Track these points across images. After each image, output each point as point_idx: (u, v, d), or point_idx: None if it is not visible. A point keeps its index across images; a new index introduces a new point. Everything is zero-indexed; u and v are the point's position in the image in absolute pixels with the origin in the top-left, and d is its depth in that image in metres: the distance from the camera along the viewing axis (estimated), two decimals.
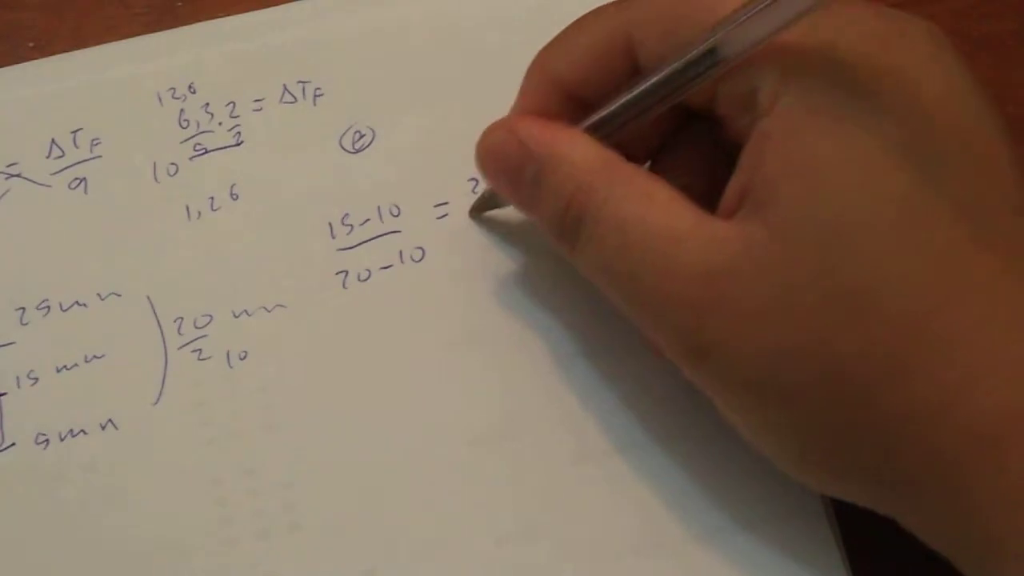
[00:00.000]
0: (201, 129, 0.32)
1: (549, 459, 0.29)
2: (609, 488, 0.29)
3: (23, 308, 0.31)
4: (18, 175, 0.32)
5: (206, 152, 0.32)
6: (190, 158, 0.32)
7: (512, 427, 0.29)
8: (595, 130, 0.26)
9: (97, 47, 0.33)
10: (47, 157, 0.32)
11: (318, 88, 0.33)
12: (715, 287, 0.23)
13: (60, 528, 0.29)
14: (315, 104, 0.33)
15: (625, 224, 0.24)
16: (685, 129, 0.28)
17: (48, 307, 0.31)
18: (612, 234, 0.24)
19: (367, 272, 0.31)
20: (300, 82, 0.33)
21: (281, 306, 0.31)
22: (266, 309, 0.31)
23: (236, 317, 0.30)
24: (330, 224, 0.31)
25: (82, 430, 0.30)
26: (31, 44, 0.34)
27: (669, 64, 0.24)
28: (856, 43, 0.23)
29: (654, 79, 0.25)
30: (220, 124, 0.32)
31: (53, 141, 0.32)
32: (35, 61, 0.33)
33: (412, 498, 0.29)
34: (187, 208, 0.32)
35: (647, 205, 0.24)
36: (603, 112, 0.26)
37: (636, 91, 0.25)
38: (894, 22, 0.23)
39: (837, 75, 0.22)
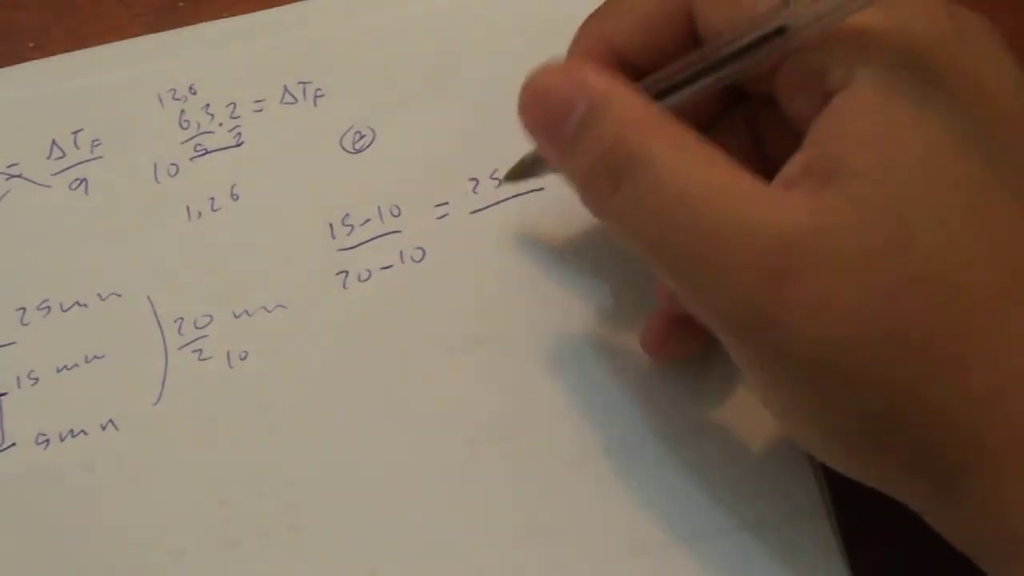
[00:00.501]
0: (202, 130, 0.32)
1: (549, 460, 0.29)
2: (608, 489, 0.29)
3: (23, 308, 0.31)
4: (19, 175, 0.32)
5: (207, 153, 0.32)
6: (191, 159, 0.32)
7: (512, 428, 0.29)
8: (655, 94, 0.25)
9: (98, 48, 0.33)
10: (48, 158, 0.32)
11: (318, 89, 0.33)
12: (789, 258, 0.21)
13: (60, 528, 0.29)
14: (315, 105, 0.33)
15: (678, 176, 0.22)
16: (727, 115, 0.27)
17: (48, 307, 0.31)
18: (662, 184, 0.22)
19: (367, 272, 0.31)
20: (301, 83, 0.33)
21: (281, 306, 0.31)
22: (266, 309, 0.31)
23: (236, 317, 0.30)
24: (330, 224, 0.31)
25: (82, 430, 0.30)
26: (31, 44, 0.34)
27: (736, 38, 0.23)
28: (924, 33, 0.22)
29: (721, 52, 0.24)
30: (220, 125, 0.32)
31: (54, 142, 0.32)
32: (35, 61, 0.33)
33: (412, 498, 0.29)
34: (187, 208, 0.32)
35: (709, 163, 0.23)
36: (661, 79, 0.25)
37: (700, 63, 0.24)
38: (956, 17, 0.23)
39: (909, 61, 0.22)
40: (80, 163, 0.32)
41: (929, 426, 0.22)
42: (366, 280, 0.31)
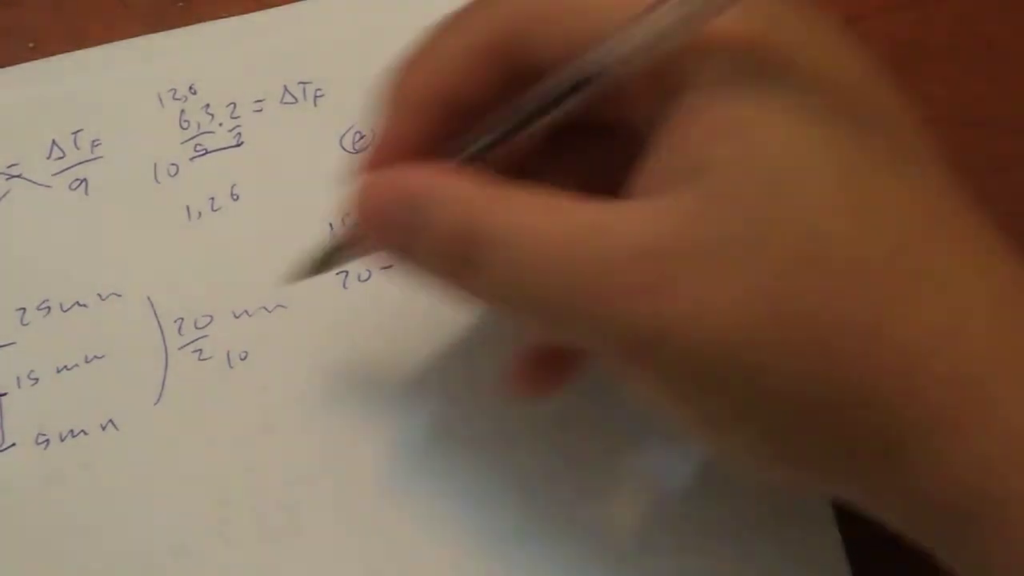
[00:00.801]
0: (202, 130, 0.32)
1: (551, 459, 0.29)
2: (613, 490, 0.29)
3: (23, 308, 0.31)
4: (19, 176, 0.32)
5: (207, 153, 0.32)
6: (191, 159, 0.32)
7: (517, 428, 0.29)
8: (472, 155, 0.24)
9: (98, 47, 0.33)
10: (48, 158, 0.32)
11: (319, 89, 0.33)
12: (654, 268, 0.21)
13: (60, 528, 0.29)
14: (316, 105, 0.33)
15: (537, 231, 0.22)
16: (561, 136, 0.25)
17: (49, 307, 0.31)
18: (524, 245, 0.22)
19: (367, 272, 0.31)
20: (301, 83, 0.33)
21: (281, 306, 0.31)
22: (266, 309, 0.31)
23: (236, 317, 0.31)
24: (331, 225, 0.31)
25: (82, 430, 0.30)
26: (31, 44, 0.34)
27: (551, 84, 0.22)
28: (759, 26, 0.22)
29: (536, 102, 0.23)
30: (221, 125, 0.32)
31: (54, 142, 0.32)
32: (35, 61, 0.33)
33: (413, 499, 0.29)
34: (188, 209, 0.32)
35: (555, 208, 0.22)
36: (481, 141, 0.24)
37: (519, 114, 0.23)
38: (791, 7, 0.23)
39: (749, 53, 0.21)
40: (80, 163, 0.32)
41: (847, 406, 0.21)
42: (366, 280, 0.31)
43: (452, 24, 0.24)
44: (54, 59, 0.33)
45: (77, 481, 0.29)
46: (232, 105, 0.33)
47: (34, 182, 0.32)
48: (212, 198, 0.32)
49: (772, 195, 0.21)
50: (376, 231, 0.25)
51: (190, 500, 0.29)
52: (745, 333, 0.21)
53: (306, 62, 0.33)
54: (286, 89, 0.33)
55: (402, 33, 0.33)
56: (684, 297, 0.21)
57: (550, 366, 0.27)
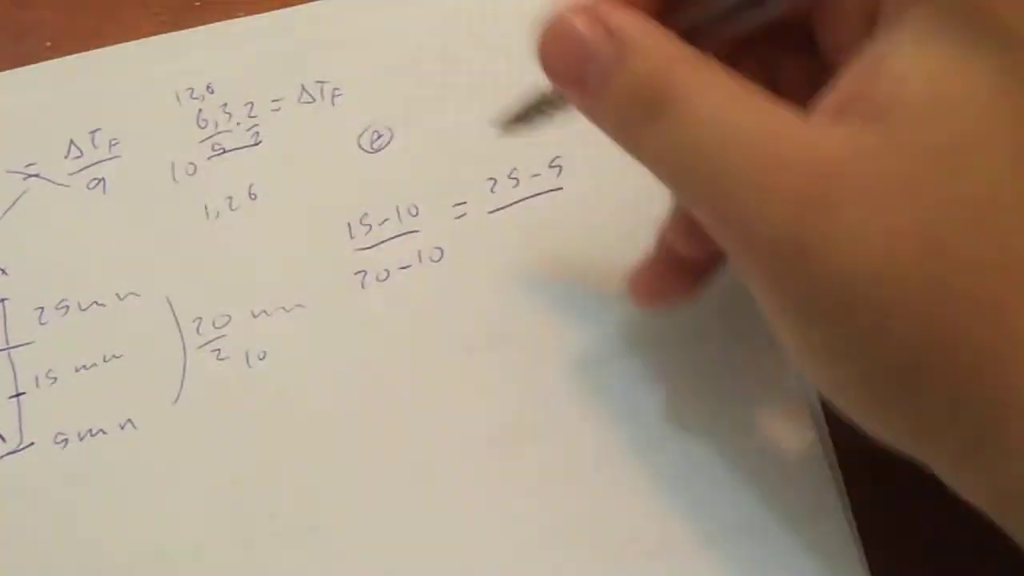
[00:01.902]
0: (219, 129, 0.32)
1: (567, 461, 0.29)
2: (628, 489, 0.29)
3: (42, 308, 0.31)
4: (36, 175, 0.32)
5: (224, 152, 0.32)
6: (208, 158, 0.32)
7: (531, 428, 0.29)
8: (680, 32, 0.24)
9: (115, 47, 0.33)
10: (66, 157, 0.32)
11: (336, 88, 0.33)
12: (825, 185, 0.21)
13: (78, 528, 0.29)
14: (333, 104, 0.33)
15: (719, 105, 0.22)
16: (758, 46, 0.26)
17: (67, 307, 0.31)
18: (703, 112, 0.22)
19: (386, 272, 0.31)
20: (318, 82, 0.33)
21: (300, 306, 0.31)
22: (285, 309, 0.31)
23: (255, 317, 0.30)
24: (348, 224, 0.31)
25: (101, 430, 0.30)
26: (48, 44, 0.34)
27: None
28: None
29: None
30: (238, 124, 0.32)
31: (71, 141, 0.32)
32: (53, 61, 0.33)
33: (431, 499, 0.29)
34: (205, 208, 0.32)
35: (743, 94, 0.22)
36: (688, 18, 0.24)
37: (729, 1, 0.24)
38: None
39: (962, 2, 0.21)
40: (98, 162, 0.32)
41: (963, 370, 0.21)
42: (384, 280, 0.31)
43: None
44: (71, 59, 0.33)
45: (95, 481, 0.29)
46: (250, 104, 0.33)
47: (52, 181, 0.32)
48: (230, 197, 0.32)
49: (956, 148, 0.21)
50: (568, 64, 0.25)
51: (208, 500, 0.29)
52: (890, 267, 0.21)
53: (323, 61, 0.33)
54: (303, 88, 0.33)
55: (419, 32, 0.33)
56: (847, 219, 0.21)
57: (674, 276, 0.28)
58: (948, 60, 0.21)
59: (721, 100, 0.22)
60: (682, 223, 0.27)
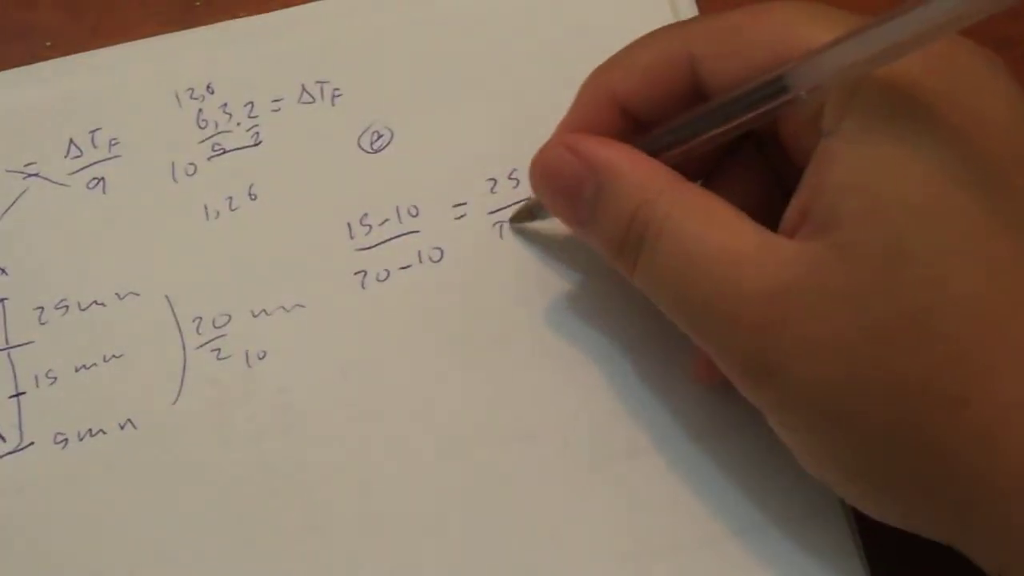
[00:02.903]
0: (219, 129, 0.32)
1: (569, 460, 0.29)
2: (628, 490, 0.29)
3: (41, 307, 0.31)
4: (36, 175, 0.32)
5: (224, 152, 0.32)
6: (208, 158, 0.32)
7: (532, 428, 0.29)
8: (652, 151, 0.26)
9: (115, 46, 0.33)
10: (65, 157, 0.32)
11: (336, 88, 0.33)
12: (779, 308, 0.23)
13: (78, 528, 0.29)
14: (333, 104, 0.33)
15: (687, 242, 0.24)
16: (738, 149, 0.28)
17: (67, 306, 0.31)
18: (674, 252, 0.24)
19: (386, 272, 0.31)
20: (318, 82, 0.33)
21: (300, 306, 0.31)
22: (285, 309, 0.31)
23: (255, 317, 0.30)
24: (348, 224, 0.31)
25: (101, 430, 0.30)
26: (48, 43, 0.34)
27: (735, 91, 0.24)
28: (915, 67, 0.22)
29: (719, 103, 0.25)
30: (238, 124, 0.32)
31: (71, 141, 0.32)
32: (53, 60, 0.33)
33: (431, 499, 0.29)
34: (205, 208, 0.32)
35: (709, 223, 0.24)
36: (663, 133, 0.26)
37: (700, 115, 0.25)
38: (951, 47, 0.23)
39: (897, 98, 0.22)
40: (98, 162, 0.32)
41: (932, 464, 0.22)
42: (384, 280, 0.31)
43: (646, 39, 0.27)
44: (71, 58, 0.33)
45: (95, 481, 0.29)
46: (250, 104, 0.33)
47: (52, 181, 0.32)
48: (230, 197, 0.32)
49: (893, 264, 0.22)
50: (553, 195, 0.27)
51: (208, 499, 0.29)
52: (846, 376, 0.22)
53: (324, 61, 0.33)
54: (304, 88, 0.33)
55: (419, 33, 0.33)
56: (800, 336, 0.23)
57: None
58: (887, 160, 0.22)
59: (695, 230, 0.24)
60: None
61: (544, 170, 0.27)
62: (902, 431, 0.22)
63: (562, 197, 0.27)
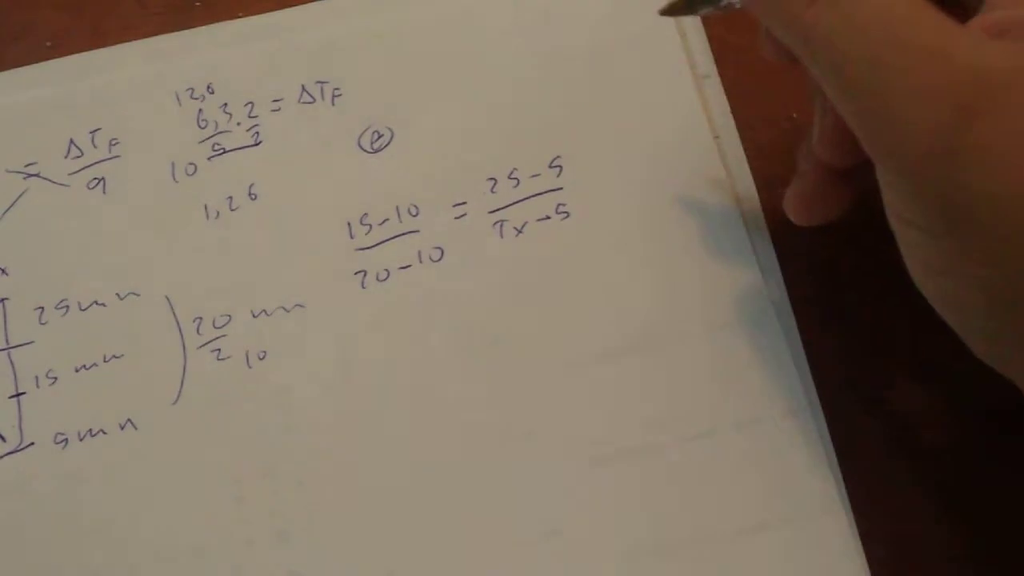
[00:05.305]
0: (219, 129, 0.32)
1: (571, 460, 0.29)
2: (629, 489, 0.29)
3: (42, 308, 0.31)
4: (36, 175, 0.32)
5: (224, 152, 0.32)
6: (208, 158, 0.32)
7: (533, 427, 0.29)
8: None
9: (115, 47, 0.33)
10: (65, 157, 0.32)
11: (336, 88, 0.33)
12: (982, 92, 0.20)
13: (78, 528, 0.29)
14: (333, 104, 0.33)
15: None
16: None
17: (67, 307, 0.31)
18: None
19: (386, 272, 0.31)
20: (319, 82, 0.33)
21: (300, 306, 0.31)
22: (285, 309, 0.31)
23: (255, 317, 0.30)
24: (349, 224, 0.31)
25: (101, 430, 0.30)
26: (49, 44, 0.34)
27: None
28: None
29: None
30: (238, 124, 0.32)
31: (71, 141, 0.32)
32: (53, 61, 0.33)
33: (431, 499, 0.29)
34: (205, 208, 0.32)
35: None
36: None
37: None
38: None
39: None
40: (98, 162, 0.32)
41: None
42: (384, 280, 0.31)
43: None
44: (72, 58, 0.33)
45: (95, 481, 0.29)
46: (250, 104, 0.33)
47: (52, 181, 0.32)
48: (230, 197, 0.32)
49: None
50: None
51: (208, 499, 0.29)
52: None
53: (324, 61, 0.33)
54: (304, 88, 0.33)
55: (419, 33, 0.33)
56: (994, 133, 0.20)
57: (828, 189, 0.27)
58: None
59: None
60: (829, 133, 0.27)
61: None
62: None
63: None
